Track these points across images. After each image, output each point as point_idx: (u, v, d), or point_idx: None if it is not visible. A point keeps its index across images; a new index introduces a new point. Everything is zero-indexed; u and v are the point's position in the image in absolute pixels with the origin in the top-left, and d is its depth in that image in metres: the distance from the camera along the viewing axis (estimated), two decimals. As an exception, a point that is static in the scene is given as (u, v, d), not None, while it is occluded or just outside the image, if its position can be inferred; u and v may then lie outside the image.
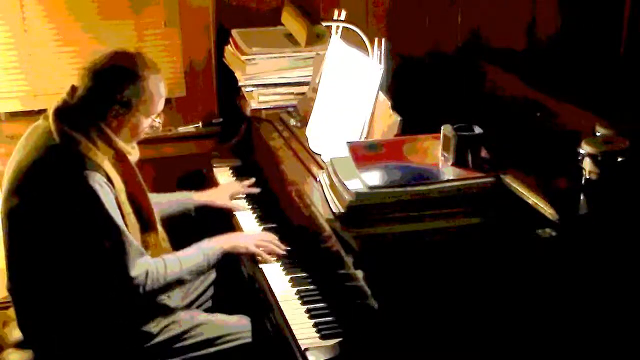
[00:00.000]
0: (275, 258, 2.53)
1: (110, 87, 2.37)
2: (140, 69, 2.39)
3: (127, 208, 2.38)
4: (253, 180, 3.01)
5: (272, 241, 2.56)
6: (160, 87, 2.44)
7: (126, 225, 2.35)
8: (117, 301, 2.38)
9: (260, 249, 2.53)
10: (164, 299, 2.47)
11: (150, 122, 2.48)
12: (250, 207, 2.88)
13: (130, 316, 2.42)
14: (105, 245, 2.29)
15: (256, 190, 2.96)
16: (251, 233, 2.69)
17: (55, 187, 2.29)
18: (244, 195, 2.95)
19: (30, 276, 2.39)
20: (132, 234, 2.36)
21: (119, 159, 2.39)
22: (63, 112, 2.37)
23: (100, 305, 2.38)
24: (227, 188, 2.96)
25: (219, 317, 2.56)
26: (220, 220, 2.85)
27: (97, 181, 2.28)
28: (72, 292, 2.36)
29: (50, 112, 2.38)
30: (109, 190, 2.32)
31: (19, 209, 2.35)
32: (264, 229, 2.70)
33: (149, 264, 2.36)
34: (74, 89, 2.41)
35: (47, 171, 2.32)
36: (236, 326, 2.52)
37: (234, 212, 2.85)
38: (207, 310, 2.67)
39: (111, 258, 2.30)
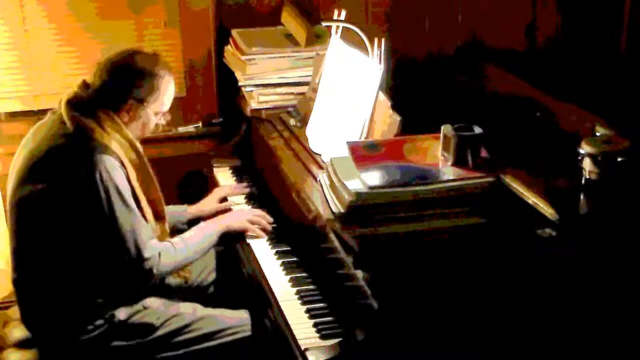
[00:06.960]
0: (265, 235, 2.65)
1: (126, 83, 2.46)
2: (156, 67, 2.50)
3: (141, 194, 2.45)
4: (245, 184, 3.01)
5: (263, 216, 2.68)
6: (172, 86, 2.56)
7: (141, 210, 2.42)
8: (129, 284, 2.43)
9: (255, 225, 2.65)
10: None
11: (157, 119, 2.56)
12: (250, 207, 2.88)
13: (134, 302, 2.46)
14: (119, 227, 2.35)
15: (246, 189, 2.98)
16: (242, 210, 2.80)
17: (70, 171, 2.35)
18: (245, 197, 2.95)
19: (38, 264, 2.42)
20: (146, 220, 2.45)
21: (131, 147, 2.45)
22: (76, 103, 2.45)
23: (107, 293, 2.42)
24: (217, 193, 2.97)
25: (220, 311, 2.58)
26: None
27: (111, 165, 2.35)
28: (80, 278, 2.40)
29: (62, 103, 2.45)
30: (123, 175, 2.39)
31: (31, 195, 2.39)
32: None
33: (160, 246, 2.45)
34: (86, 83, 2.49)
35: (61, 157, 2.38)
36: (236, 320, 2.54)
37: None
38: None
39: (125, 240, 2.36)
